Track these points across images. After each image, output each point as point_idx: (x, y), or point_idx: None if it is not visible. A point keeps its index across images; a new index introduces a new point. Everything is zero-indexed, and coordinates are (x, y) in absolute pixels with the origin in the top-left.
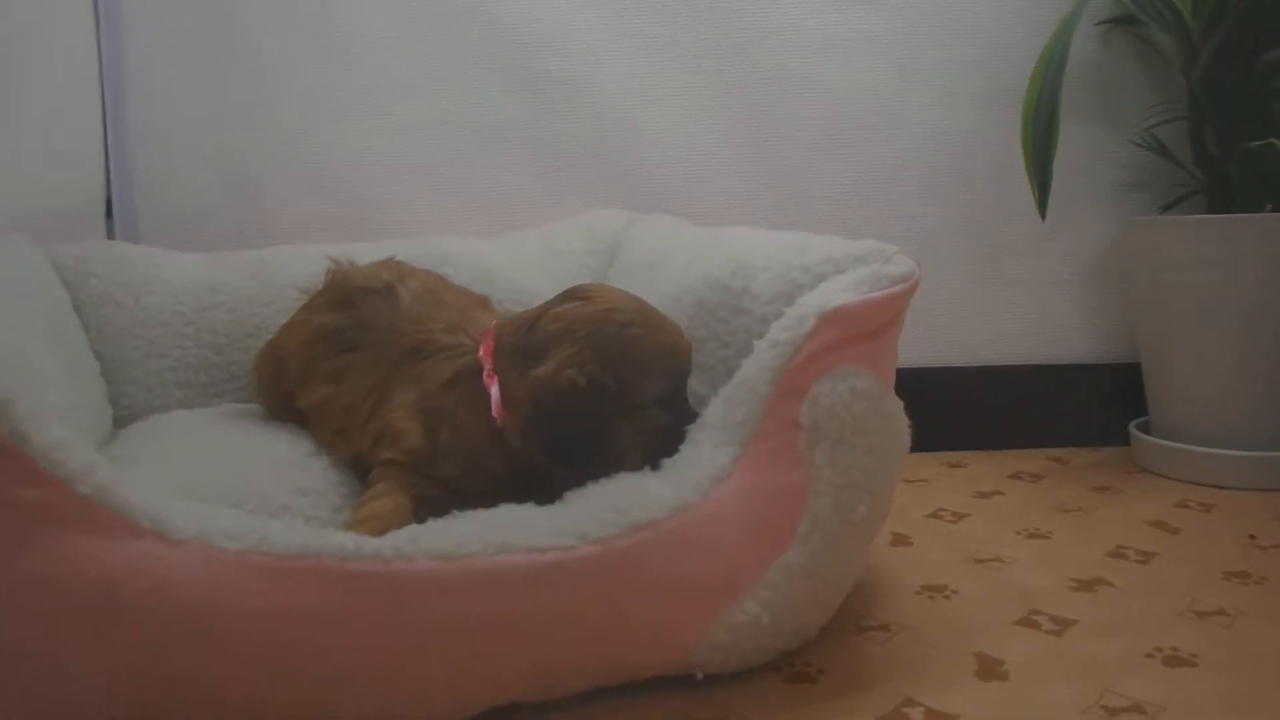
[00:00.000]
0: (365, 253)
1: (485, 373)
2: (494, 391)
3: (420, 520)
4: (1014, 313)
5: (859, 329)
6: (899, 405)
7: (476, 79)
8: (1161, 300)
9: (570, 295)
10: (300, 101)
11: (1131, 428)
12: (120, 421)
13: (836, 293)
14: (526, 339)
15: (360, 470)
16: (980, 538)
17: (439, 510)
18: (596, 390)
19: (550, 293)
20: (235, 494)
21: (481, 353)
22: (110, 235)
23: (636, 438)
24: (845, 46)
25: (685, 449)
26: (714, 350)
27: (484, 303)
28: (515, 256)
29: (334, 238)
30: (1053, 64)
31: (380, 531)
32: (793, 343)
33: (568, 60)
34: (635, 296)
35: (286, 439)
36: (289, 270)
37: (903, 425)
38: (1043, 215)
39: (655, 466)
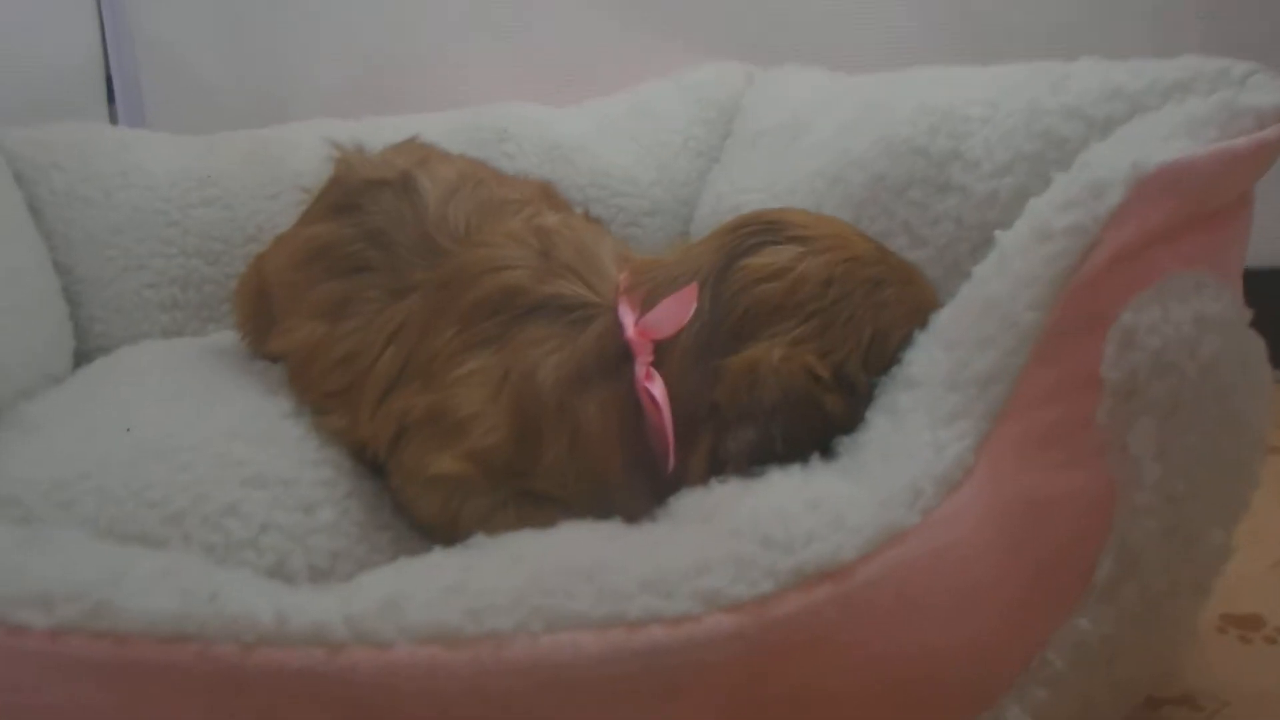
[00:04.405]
0: (396, 129)
1: (641, 366)
2: (658, 394)
3: None
4: None
5: (1204, 205)
6: (1262, 347)
7: None
8: None
9: (764, 229)
10: None
11: None
12: (90, 356)
13: (1161, 140)
14: (714, 311)
15: (365, 459)
16: None
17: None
18: (845, 390)
19: (647, 175)
20: (156, 489)
21: (634, 329)
22: (113, 121)
23: None
24: None
25: (878, 420)
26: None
27: (546, 191)
28: (596, 125)
29: (364, 112)
30: None
31: None
32: (1084, 230)
33: None
34: (852, 227)
35: (259, 393)
36: (296, 154)
37: (1268, 380)
38: None
39: (825, 451)
